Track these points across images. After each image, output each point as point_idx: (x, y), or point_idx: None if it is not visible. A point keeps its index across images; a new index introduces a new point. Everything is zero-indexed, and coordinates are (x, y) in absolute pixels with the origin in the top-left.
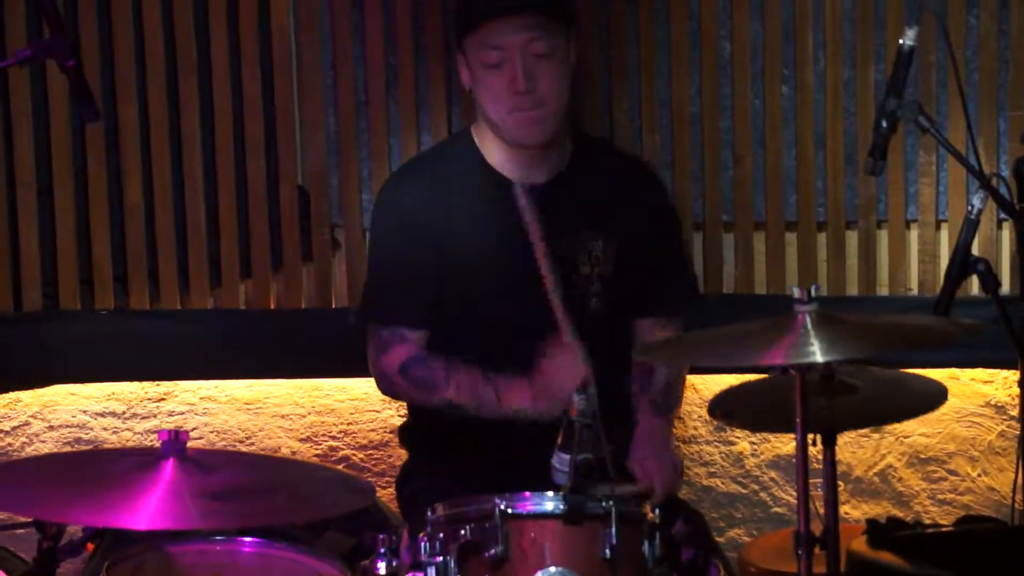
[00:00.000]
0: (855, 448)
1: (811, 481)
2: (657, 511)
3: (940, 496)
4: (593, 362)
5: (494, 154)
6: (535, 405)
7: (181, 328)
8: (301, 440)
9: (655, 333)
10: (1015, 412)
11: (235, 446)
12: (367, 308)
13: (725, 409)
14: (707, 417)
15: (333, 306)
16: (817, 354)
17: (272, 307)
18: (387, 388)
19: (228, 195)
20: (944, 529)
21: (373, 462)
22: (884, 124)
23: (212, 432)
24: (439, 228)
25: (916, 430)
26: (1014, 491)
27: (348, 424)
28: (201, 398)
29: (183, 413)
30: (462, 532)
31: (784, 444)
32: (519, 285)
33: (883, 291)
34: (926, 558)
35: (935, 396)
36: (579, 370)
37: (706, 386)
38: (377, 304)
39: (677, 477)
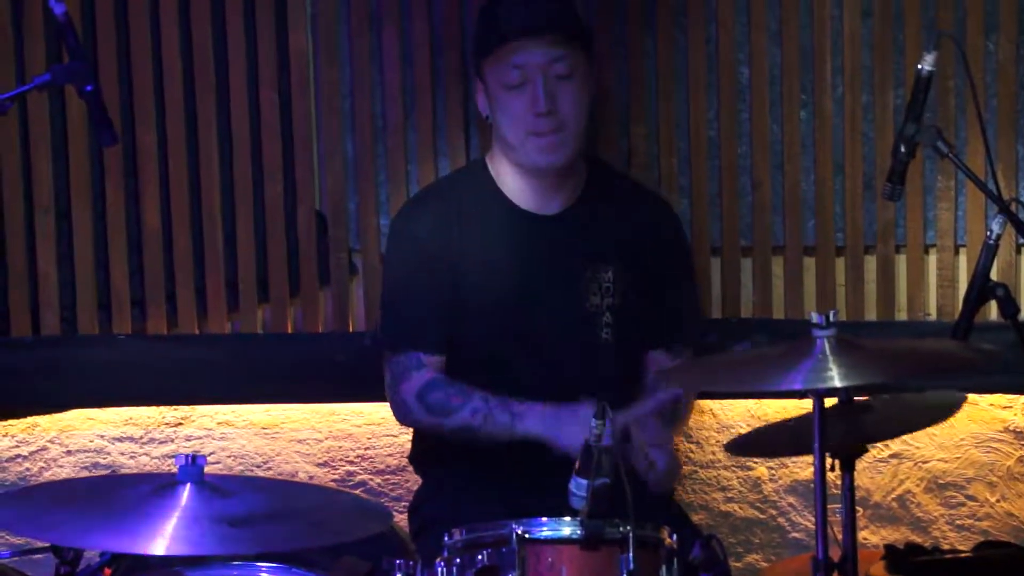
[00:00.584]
0: (873, 473)
1: (829, 506)
2: (675, 536)
3: (959, 521)
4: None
5: (508, 183)
6: (548, 434)
7: (198, 353)
8: (318, 465)
9: (667, 364)
10: None
11: (252, 471)
12: (383, 336)
13: (747, 450)
14: (724, 441)
15: (351, 330)
16: (835, 379)
17: (289, 331)
18: (403, 416)
19: (246, 220)
20: (963, 555)
21: (390, 487)
22: (902, 149)
23: (229, 457)
24: (452, 257)
25: (934, 455)
26: None
27: (365, 449)
28: (218, 423)
29: (200, 438)
30: (479, 557)
31: (802, 469)
32: (529, 314)
33: (901, 316)
34: None
35: (952, 403)
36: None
37: (723, 411)
38: (393, 331)
39: (675, 469)
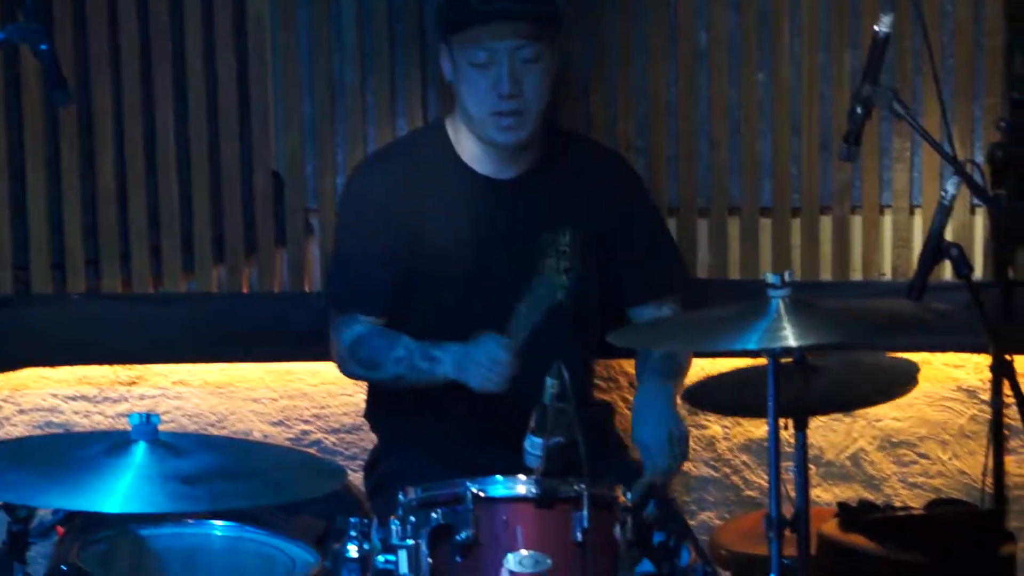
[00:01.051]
0: (827, 432)
1: (783, 464)
2: (628, 495)
3: (911, 479)
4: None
5: (466, 148)
6: (461, 377)
7: (153, 312)
8: (273, 424)
9: (656, 316)
10: (986, 396)
11: (206, 430)
12: (329, 294)
13: (699, 400)
14: (679, 401)
15: (307, 290)
16: (790, 339)
17: (245, 291)
18: (346, 371)
19: (201, 180)
20: (914, 512)
21: (345, 446)
22: (859, 110)
23: (184, 416)
24: (406, 219)
25: (887, 414)
26: (984, 475)
27: (320, 408)
28: (173, 382)
29: (154, 397)
30: (433, 515)
31: (756, 428)
32: (485, 280)
33: (856, 276)
34: (896, 541)
35: (906, 377)
36: (499, 365)
37: None
38: (336, 290)
39: (683, 449)
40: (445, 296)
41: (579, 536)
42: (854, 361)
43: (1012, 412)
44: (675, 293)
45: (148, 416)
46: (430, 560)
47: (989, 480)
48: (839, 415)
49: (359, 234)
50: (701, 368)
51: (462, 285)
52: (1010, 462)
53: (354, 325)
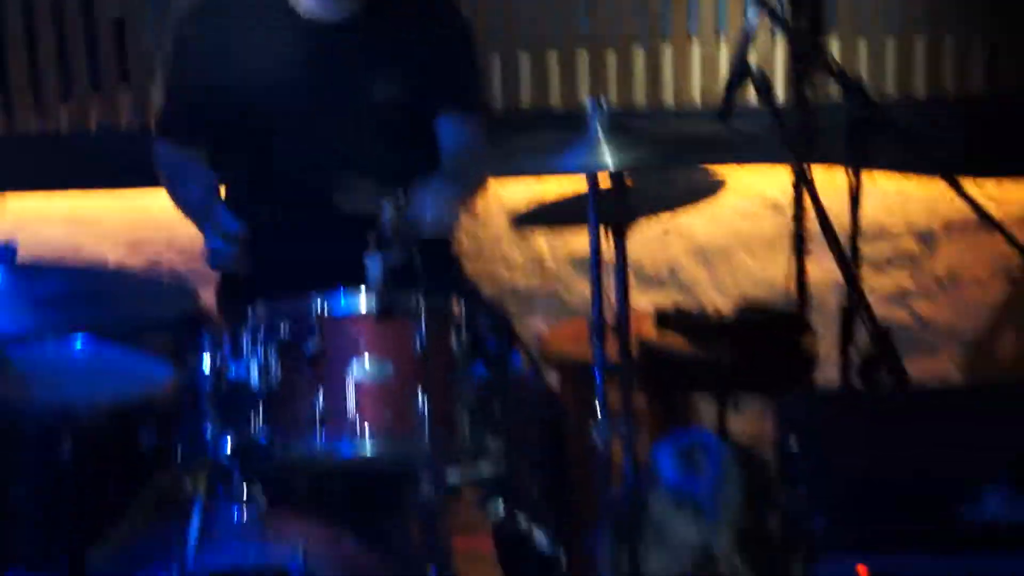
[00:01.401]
0: (644, 244)
1: (604, 274)
2: (463, 304)
3: (721, 287)
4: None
5: None
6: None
7: (4, 149)
8: (126, 251)
9: (459, 131)
10: (790, 210)
11: (63, 259)
12: (155, 124)
13: (528, 221)
14: (508, 220)
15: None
16: (608, 159)
17: (92, 128)
18: (167, 191)
19: (46, 27)
20: (725, 316)
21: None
22: None
23: (39, 245)
24: (233, 61)
25: (701, 227)
26: (792, 280)
27: (173, 235)
28: (27, 216)
29: (10, 230)
30: (281, 329)
31: (579, 241)
32: (310, 121)
33: (669, 103)
34: (709, 342)
35: (713, 185)
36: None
37: (507, 193)
38: (160, 120)
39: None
40: (268, 138)
41: (418, 345)
42: (667, 178)
43: (813, 221)
44: (479, 116)
45: (6, 243)
46: (279, 372)
47: (792, 284)
48: (655, 229)
49: (185, 74)
50: (529, 190)
51: (286, 129)
52: (810, 266)
53: (173, 152)
